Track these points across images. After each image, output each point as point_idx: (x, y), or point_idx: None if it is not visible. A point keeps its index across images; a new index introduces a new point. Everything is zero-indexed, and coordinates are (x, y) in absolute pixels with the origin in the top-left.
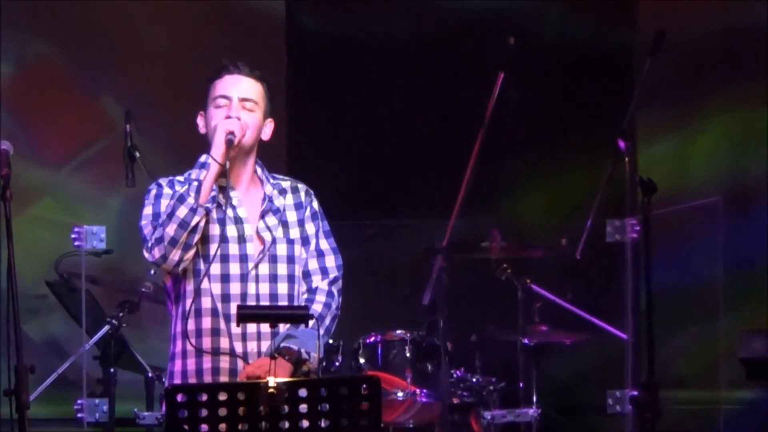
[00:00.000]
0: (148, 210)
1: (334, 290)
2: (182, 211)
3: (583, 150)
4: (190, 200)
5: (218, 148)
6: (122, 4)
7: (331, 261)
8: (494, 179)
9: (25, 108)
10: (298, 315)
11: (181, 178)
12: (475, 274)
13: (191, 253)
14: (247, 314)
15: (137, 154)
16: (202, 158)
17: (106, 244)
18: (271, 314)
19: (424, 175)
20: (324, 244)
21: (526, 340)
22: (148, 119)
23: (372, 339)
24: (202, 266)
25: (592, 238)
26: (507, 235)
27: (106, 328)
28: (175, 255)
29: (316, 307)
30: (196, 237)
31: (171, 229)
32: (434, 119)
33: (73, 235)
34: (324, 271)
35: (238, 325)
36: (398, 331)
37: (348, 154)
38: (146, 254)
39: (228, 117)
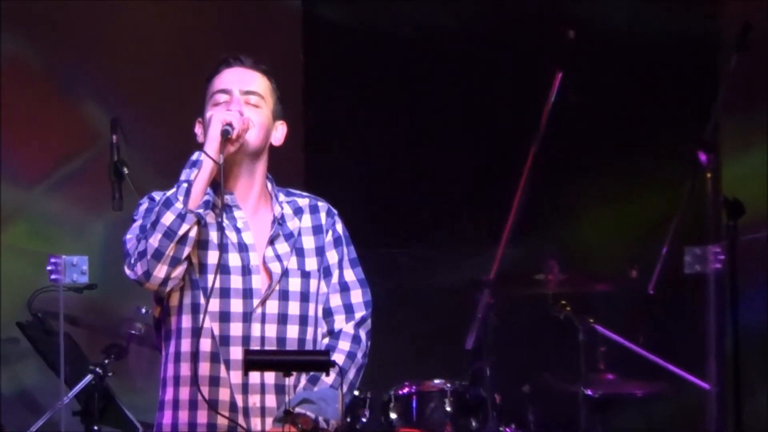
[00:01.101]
0: (135, 225)
1: (362, 334)
2: (168, 218)
3: (656, 164)
4: (178, 205)
5: (212, 142)
6: None
7: (357, 296)
8: (550, 200)
9: None
10: (316, 362)
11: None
12: (528, 313)
13: (180, 269)
14: (255, 361)
15: (125, 171)
16: (194, 156)
17: (89, 278)
18: (285, 361)
19: (467, 195)
20: (349, 275)
21: (589, 391)
22: (139, 128)
23: (405, 390)
24: (201, 300)
25: (667, 270)
26: (566, 266)
27: (89, 378)
28: (160, 271)
29: (338, 357)
30: (186, 250)
31: (155, 240)
32: (478, 128)
33: (49, 267)
34: (349, 309)
35: (245, 374)
36: (436, 381)
37: (376, 167)
38: (128, 271)
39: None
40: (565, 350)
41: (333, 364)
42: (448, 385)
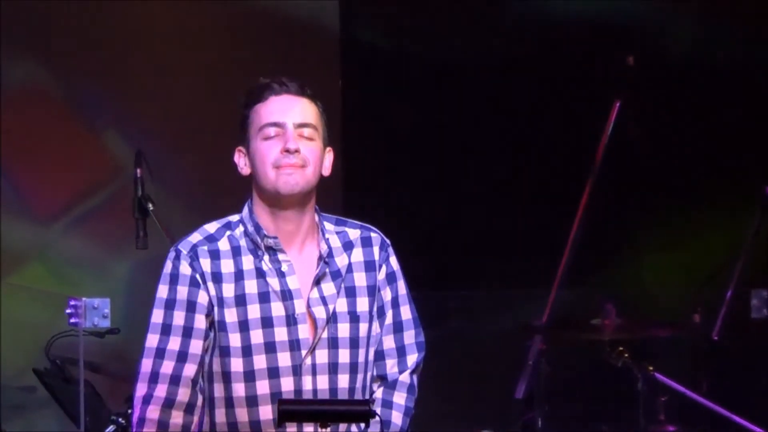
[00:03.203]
0: (157, 314)
1: (416, 382)
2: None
3: (722, 201)
4: None
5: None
6: (133, 15)
7: (410, 337)
8: (607, 239)
9: (7, 148)
10: (356, 413)
11: (204, 238)
12: (582, 360)
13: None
14: (290, 411)
15: (150, 207)
16: (234, 217)
17: (111, 322)
18: (322, 411)
19: (518, 233)
20: (404, 314)
21: None
22: (165, 161)
23: None
24: (240, 367)
25: (732, 314)
26: (624, 310)
27: (111, 429)
28: (177, 417)
29: (396, 417)
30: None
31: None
32: (529, 161)
33: (68, 311)
34: (401, 353)
35: (279, 425)
36: None
37: (420, 202)
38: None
39: (285, 150)
40: (623, 400)
41: (374, 414)
42: None
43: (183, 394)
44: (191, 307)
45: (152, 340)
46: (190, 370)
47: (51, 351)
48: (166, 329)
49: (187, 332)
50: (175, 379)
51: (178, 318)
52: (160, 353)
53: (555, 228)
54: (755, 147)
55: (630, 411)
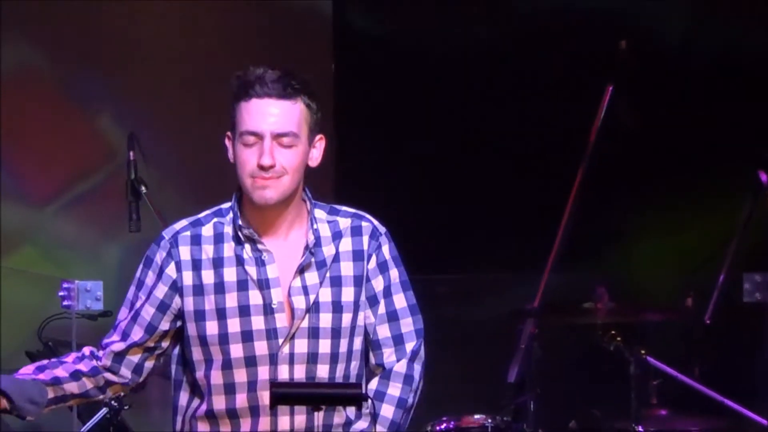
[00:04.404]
0: (130, 289)
1: (415, 370)
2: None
3: (714, 186)
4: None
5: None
6: (128, 0)
7: (407, 325)
8: (599, 223)
9: (1, 130)
10: (348, 396)
11: (189, 224)
12: (574, 344)
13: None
14: (282, 394)
15: (143, 190)
16: (227, 204)
17: (104, 305)
18: (314, 395)
19: (509, 217)
20: (399, 302)
21: (640, 428)
22: (158, 144)
23: (444, 425)
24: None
25: (724, 298)
26: (616, 294)
27: (103, 411)
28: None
29: (386, 410)
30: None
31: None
32: (520, 145)
33: (61, 293)
34: (398, 341)
35: (271, 408)
36: (477, 416)
37: (410, 186)
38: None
39: (260, 166)
40: (615, 384)
41: (365, 397)
42: (489, 420)
43: (93, 359)
44: (148, 295)
45: (121, 310)
46: (116, 346)
47: (44, 333)
48: (126, 303)
49: (135, 316)
50: (103, 346)
51: (138, 300)
52: (116, 323)
53: (547, 211)
54: (747, 131)
55: (622, 395)
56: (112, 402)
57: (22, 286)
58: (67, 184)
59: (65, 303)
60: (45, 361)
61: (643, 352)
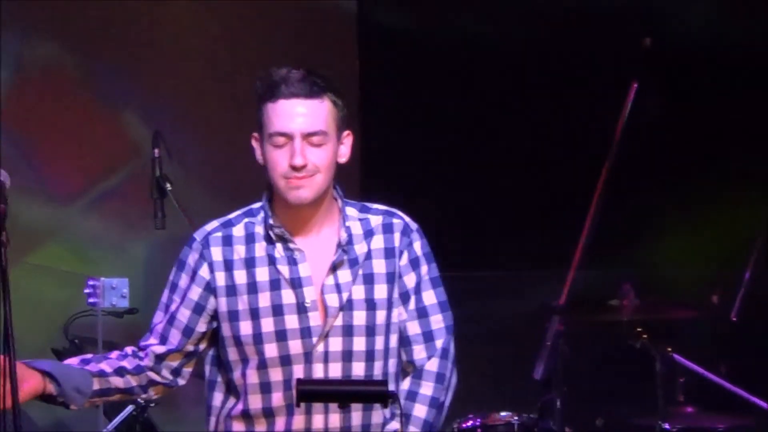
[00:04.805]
0: (164, 292)
1: (446, 368)
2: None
3: (740, 181)
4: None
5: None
6: None
7: (437, 322)
8: (625, 219)
9: (27, 128)
10: (373, 393)
11: (220, 224)
12: (601, 341)
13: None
14: (308, 391)
15: (168, 187)
16: (258, 204)
17: (129, 302)
18: (339, 392)
19: (535, 213)
20: (429, 298)
21: (666, 425)
22: (183, 142)
23: (470, 423)
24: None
25: (751, 295)
26: (642, 291)
27: (130, 408)
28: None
29: (419, 410)
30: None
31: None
32: (547, 142)
33: (87, 290)
34: (428, 338)
35: (297, 405)
36: (503, 413)
37: (435, 182)
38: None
39: (292, 166)
40: (641, 381)
41: (391, 396)
42: (516, 418)
43: (135, 358)
44: (183, 297)
45: (157, 313)
46: (157, 348)
47: (70, 331)
48: (160, 306)
49: (171, 320)
50: (143, 347)
51: (173, 303)
52: (152, 326)
53: (573, 208)
54: None
55: (648, 392)
56: (138, 399)
57: (48, 283)
58: (92, 181)
59: (91, 300)
60: (89, 355)
61: (669, 349)
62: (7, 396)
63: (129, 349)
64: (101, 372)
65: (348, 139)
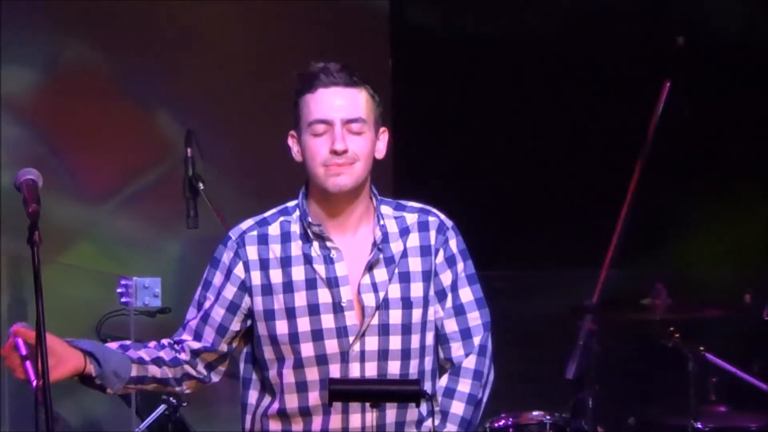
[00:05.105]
0: (198, 290)
1: (484, 365)
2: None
3: None
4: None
5: None
6: None
7: (474, 319)
8: (658, 219)
9: (58, 127)
10: (405, 393)
11: (255, 223)
12: (633, 340)
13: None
14: (341, 391)
15: (201, 186)
16: (293, 202)
17: (162, 301)
18: (372, 391)
19: (567, 213)
20: (465, 296)
21: (699, 424)
22: (216, 141)
23: (502, 422)
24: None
25: None
26: (674, 291)
27: (162, 408)
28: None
29: (457, 407)
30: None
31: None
32: (579, 141)
33: (119, 290)
34: (466, 335)
35: (330, 405)
36: (535, 413)
37: (468, 182)
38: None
39: (333, 151)
40: (674, 380)
41: (424, 394)
42: (548, 417)
43: (173, 351)
44: (217, 296)
45: (189, 310)
46: (192, 344)
47: (102, 330)
48: (194, 303)
49: (205, 317)
50: (178, 342)
51: (206, 301)
52: (185, 323)
53: (606, 208)
54: None
55: (681, 391)
56: (170, 399)
57: (81, 282)
58: (125, 181)
59: (123, 300)
60: (128, 342)
61: (701, 348)
62: (51, 372)
63: (166, 341)
64: (140, 359)
65: (384, 135)
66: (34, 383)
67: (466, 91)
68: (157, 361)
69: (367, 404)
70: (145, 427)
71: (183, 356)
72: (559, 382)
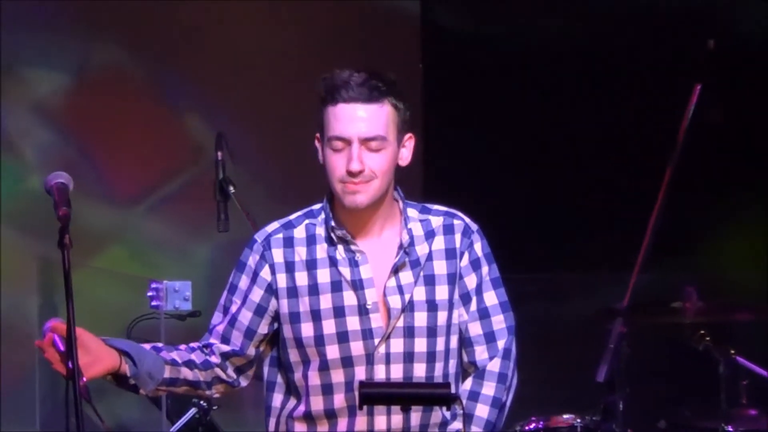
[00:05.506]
0: (224, 294)
1: (508, 368)
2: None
3: None
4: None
5: None
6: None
7: (499, 322)
8: (689, 222)
9: (88, 130)
10: (435, 396)
11: (281, 226)
12: (664, 343)
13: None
14: (371, 394)
15: (231, 189)
16: (318, 205)
17: (192, 305)
18: (402, 394)
19: (598, 216)
20: (490, 299)
21: (730, 428)
22: (246, 144)
23: (533, 425)
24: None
25: None
26: (705, 294)
27: (192, 411)
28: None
29: (481, 410)
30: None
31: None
32: (609, 144)
33: (149, 293)
34: (490, 338)
35: (360, 408)
36: (566, 416)
37: (498, 184)
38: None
39: (349, 172)
40: (704, 383)
41: (454, 397)
42: (578, 420)
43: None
44: (244, 299)
45: (215, 315)
46: (221, 347)
47: (132, 334)
48: (219, 308)
49: (232, 321)
50: (207, 346)
51: (233, 305)
52: (211, 327)
53: (636, 211)
54: None
55: (711, 395)
56: (201, 402)
57: (111, 286)
58: (155, 184)
59: (154, 303)
60: (159, 344)
61: (732, 351)
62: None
63: (196, 344)
64: (173, 361)
65: (410, 142)
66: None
67: (496, 95)
68: (189, 364)
69: (393, 407)
70: (176, 431)
71: (214, 359)
72: (589, 386)
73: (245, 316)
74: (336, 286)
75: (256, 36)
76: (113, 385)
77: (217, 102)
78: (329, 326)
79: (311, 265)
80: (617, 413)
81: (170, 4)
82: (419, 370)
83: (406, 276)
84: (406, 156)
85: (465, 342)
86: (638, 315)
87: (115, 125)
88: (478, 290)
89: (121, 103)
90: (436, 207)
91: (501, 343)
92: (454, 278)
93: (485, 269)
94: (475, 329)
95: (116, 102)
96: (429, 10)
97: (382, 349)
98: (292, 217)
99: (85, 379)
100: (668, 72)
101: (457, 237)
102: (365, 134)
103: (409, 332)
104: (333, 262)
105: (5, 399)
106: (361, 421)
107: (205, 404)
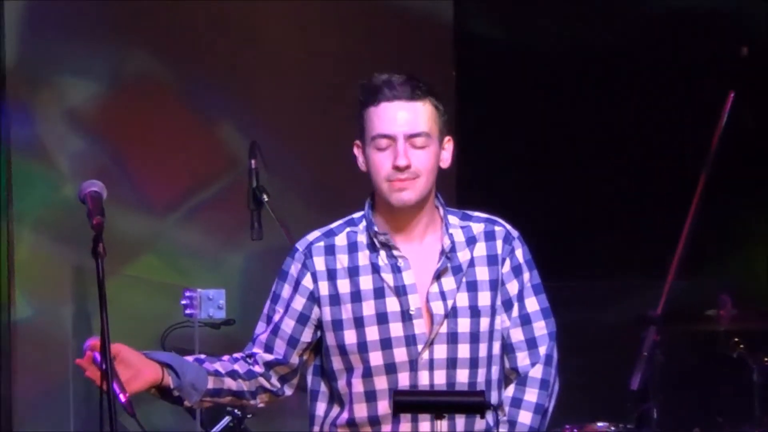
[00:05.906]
0: (267, 303)
1: (550, 375)
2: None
3: None
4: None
5: None
6: (246, 7)
7: (540, 328)
8: (723, 229)
9: (122, 139)
10: (470, 404)
11: (322, 234)
12: (698, 351)
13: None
14: (405, 402)
15: (265, 198)
16: (359, 213)
17: (226, 313)
18: (436, 402)
19: (632, 223)
20: (531, 305)
21: None
22: (280, 153)
23: None
24: (356, 364)
25: None
26: (739, 301)
27: (227, 420)
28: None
29: (524, 416)
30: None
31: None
32: (643, 151)
33: (183, 302)
34: (532, 344)
35: (394, 416)
36: (600, 424)
37: (531, 191)
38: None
39: (395, 167)
40: (738, 391)
41: (488, 405)
42: (612, 428)
43: (246, 364)
44: (286, 308)
45: (258, 324)
46: (265, 356)
47: (166, 342)
48: (263, 318)
49: (275, 330)
50: (250, 356)
51: (275, 314)
52: (254, 337)
53: (670, 218)
54: None
55: (745, 402)
56: (235, 411)
57: (145, 294)
58: (189, 192)
59: (188, 311)
60: (202, 356)
61: (766, 359)
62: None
63: (238, 355)
64: (216, 372)
65: (449, 144)
66: (121, 397)
67: (529, 101)
68: (233, 374)
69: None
70: None
71: (257, 369)
72: (623, 393)
73: (288, 325)
74: (379, 293)
75: (290, 45)
76: (157, 398)
77: (251, 110)
78: (372, 333)
79: (353, 272)
80: (651, 421)
81: (204, 14)
82: (462, 376)
83: (449, 282)
84: (446, 158)
85: (507, 348)
86: (672, 322)
87: (148, 134)
88: (520, 296)
89: (155, 111)
90: (476, 214)
91: (543, 349)
92: (496, 284)
93: (527, 275)
94: (517, 335)
95: (150, 110)
96: (462, 16)
97: (425, 355)
98: (333, 225)
99: (128, 393)
100: (702, 79)
101: (498, 243)
102: (410, 131)
103: (453, 338)
104: (375, 269)
105: (40, 407)
106: (405, 427)
107: (239, 412)
